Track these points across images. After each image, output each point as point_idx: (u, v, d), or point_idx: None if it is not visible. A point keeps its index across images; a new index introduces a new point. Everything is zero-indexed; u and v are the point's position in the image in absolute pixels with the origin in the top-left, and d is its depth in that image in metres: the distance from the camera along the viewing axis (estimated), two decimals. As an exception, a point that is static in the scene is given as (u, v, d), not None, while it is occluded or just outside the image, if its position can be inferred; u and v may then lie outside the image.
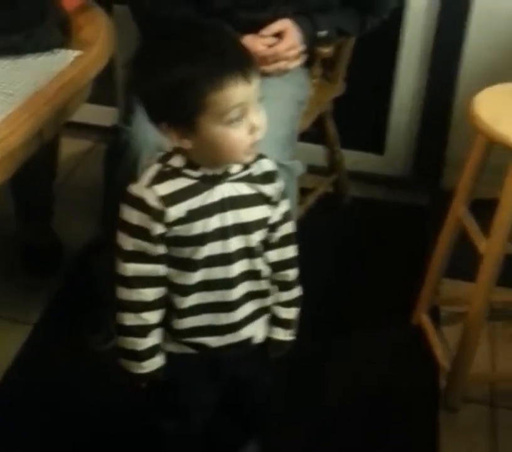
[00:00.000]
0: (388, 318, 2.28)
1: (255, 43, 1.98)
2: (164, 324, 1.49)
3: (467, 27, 2.56)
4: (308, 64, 2.24)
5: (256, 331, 1.56)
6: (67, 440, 1.94)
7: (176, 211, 1.38)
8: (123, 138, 1.89)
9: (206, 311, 1.48)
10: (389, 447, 1.97)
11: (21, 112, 1.64)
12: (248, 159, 1.39)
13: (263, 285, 1.52)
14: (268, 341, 1.59)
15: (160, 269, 1.43)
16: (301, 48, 2.05)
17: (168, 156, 1.41)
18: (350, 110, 2.59)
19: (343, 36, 2.25)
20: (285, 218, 1.52)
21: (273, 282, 1.55)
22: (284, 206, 1.52)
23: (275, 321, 1.59)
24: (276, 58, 2.01)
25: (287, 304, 1.58)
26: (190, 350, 1.52)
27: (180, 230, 1.40)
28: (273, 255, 1.53)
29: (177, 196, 1.38)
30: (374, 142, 2.86)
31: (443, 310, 2.33)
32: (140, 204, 1.38)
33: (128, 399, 1.70)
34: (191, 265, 1.43)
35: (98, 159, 2.03)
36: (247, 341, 1.55)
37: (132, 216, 1.39)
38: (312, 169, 2.17)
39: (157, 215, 1.38)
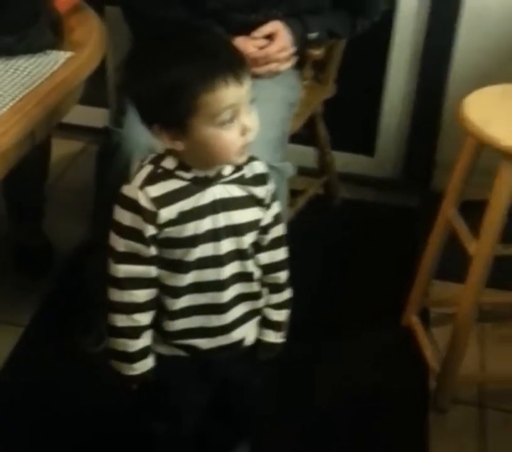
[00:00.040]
0: (378, 320, 2.28)
1: (246, 44, 1.98)
2: (155, 325, 1.49)
3: (456, 30, 2.57)
4: (299, 66, 2.24)
5: (248, 333, 1.56)
6: (59, 442, 1.93)
7: (167, 213, 1.38)
8: (115, 140, 1.89)
9: (197, 313, 1.48)
10: (379, 448, 1.97)
11: (13, 113, 1.64)
12: (240, 160, 1.40)
13: (254, 287, 1.52)
14: (259, 343, 1.60)
15: (152, 271, 1.43)
16: (292, 49, 2.06)
17: (160, 157, 1.41)
18: (340, 112, 2.60)
19: (334, 38, 2.26)
20: (276, 220, 1.53)
21: (264, 284, 1.55)
22: (275, 209, 1.52)
23: (266, 323, 1.59)
24: (267, 60, 2.02)
25: (278, 306, 1.59)
26: (181, 352, 1.52)
27: (172, 232, 1.40)
28: (264, 258, 1.53)
29: (169, 198, 1.38)
30: (365, 144, 2.87)
31: (433, 311, 2.34)
32: (132, 205, 1.38)
33: (119, 401, 1.70)
34: (183, 266, 1.43)
35: (89, 161, 2.03)
36: (238, 343, 1.55)
37: (125, 217, 1.39)
38: (302, 171, 2.17)
39: (149, 217, 1.38)
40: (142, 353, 1.49)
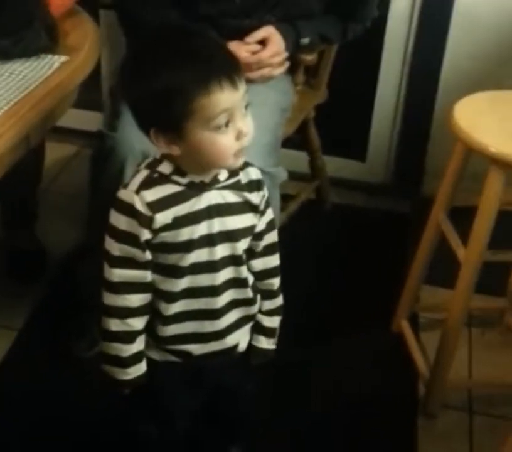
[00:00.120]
0: (369, 325, 2.29)
1: (239, 49, 1.98)
2: (148, 330, 1.49)
3: (447, 37, 2.58)
4: (291, 71, 2.25)
5: (241, 339, 1.56)
6: (51, 446, 1.93)
7: (162, 218, 1.38)
8: (109, 144, 1.90)
9: (191, 319, 1.48)
10: (369, 453, 1.98)
11: (8, 116, 1.64)
12: (236, 165, 1.40)
13: (248, 293, 1.52)
14: (251, 349, 1.60)
15: (147, 275, 1.43)
16: (285, 54, 2.07)
17: (156, 162, 1.41)
18: (332, 117, 2.61)
19: (325, 42, 2.27)
20: (270, 226, 1.53)
21: (257, 290, 1.55)
22: (269, 215, 1.52)
23: (258, 329, 1.59)
24: (260, 65, 2.03)
25: (270, 312, 1.59)
26: (173, 358, 1.52)
27: (167, 237, 1.40)
28: (258, 264, 1.54)
29: (165, 203, 1.38)
30: (356, 149, 2.88)
31: (423, 316, 2.35)
32: (128, 209, 1.38)
33: (112, 405, 1.69)
34: (177, 271, 1.43)
35: (83, 164, 2.03)
36: (232, 349, 1.55)
37: (120, 221, 1.40)
38: (294, 176, 2.18)
39: (145, 221, 1.38)
40: (136, 358, 1.49)
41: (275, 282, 1.58)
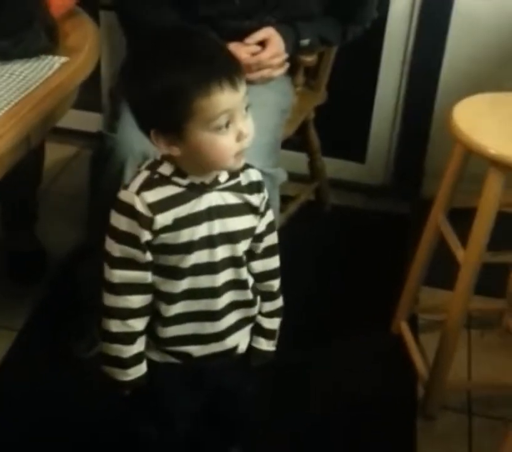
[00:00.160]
0: (368, 326, 2.29)
1: (239, 50, 1.99)
2: (148, 332, 1.49)
3: (446, 39, 2.58)
4: (291, 72, 2.25)
5: (241, 340, 1.56)
6: (50, 447, 1.93)
7: (162, 219, 1.38)
8: (108, 145, 1.90)
9: (191, 320, 1.48)
10: (368, 454, 1.98)
11: (8, 117, 1.64)
12: (236, 166, 1.40)
13: (248, 294, 1.52)
14: (251, 351, 1.60)
15: (147, 276, 1.43)
16: (285, 56, 2.07)
17: (157, 163, 1.41)
18: (332, 118, 2.61)
19: (325, 44, 2.27)
20: (270, 228, 1.53)
21: (257, 292, 1.55)
22: (270, 217, 1.52)
23: (258, 331, 1.59)
24: (260, 66, 2.03)
25: (270, 314, 1.59)
26: (173, 359, 1.52)
27: (167, 238, 1.40)
28: (258, 266, 1.54)
29: (165, 204, 1.38)
30: (356, 150, 2.88)
31: (422, 318, 2.35)
32: (129, 210, 1.38)
33: (112, 406, 1.69)
34: (178, 273, 1.43)
35: (82, 165, 2.03)
36: (232, 351, 1.55)
37: (121, 222, 1.40)
38: (293, 177, 2.18)
39: (145, 222, 1.38)
40: (136, 359, 1.49)
41: (275, 283, 1.58)
